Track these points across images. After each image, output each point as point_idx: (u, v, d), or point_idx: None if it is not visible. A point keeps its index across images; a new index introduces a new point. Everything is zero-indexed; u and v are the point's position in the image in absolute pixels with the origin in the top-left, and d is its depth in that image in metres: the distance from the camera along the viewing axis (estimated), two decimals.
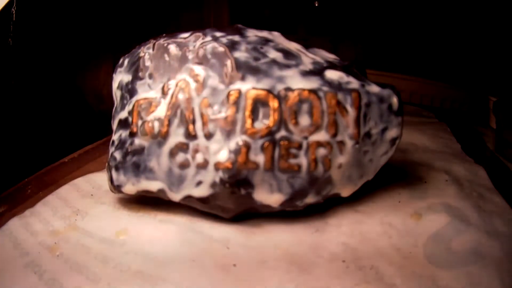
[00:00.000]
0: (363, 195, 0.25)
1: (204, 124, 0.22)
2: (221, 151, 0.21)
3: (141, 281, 0.19)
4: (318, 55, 0.24)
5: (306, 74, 0.22)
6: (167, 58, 0.23)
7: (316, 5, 0.63)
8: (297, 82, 0.22)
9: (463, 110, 0.47)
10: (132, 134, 0.23)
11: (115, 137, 0.24)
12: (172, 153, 0.22)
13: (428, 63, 0.54)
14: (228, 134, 0.21)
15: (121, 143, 0.23)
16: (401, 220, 0.24)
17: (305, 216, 0.24)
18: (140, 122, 0.23)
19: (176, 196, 0.23)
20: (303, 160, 0.22)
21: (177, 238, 0.22)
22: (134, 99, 0.23)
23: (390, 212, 0.24)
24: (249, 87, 0.21)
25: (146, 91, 0.23)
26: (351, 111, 0.22)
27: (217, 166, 0.21)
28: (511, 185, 0.30)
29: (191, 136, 0.22)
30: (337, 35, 0.59)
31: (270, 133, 0.21)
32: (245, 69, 0.22)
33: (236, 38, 0.23)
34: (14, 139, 0.32)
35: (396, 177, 0.28)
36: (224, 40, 0.22)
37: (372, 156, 0.23)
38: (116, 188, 0.24)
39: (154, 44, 0.23)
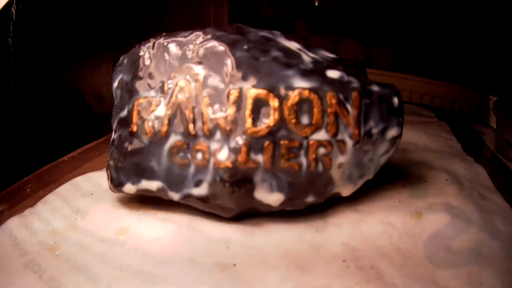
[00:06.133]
0: (363, 194, 0.25)
1: (204, 123, 0.21)
2: (221, 151, 0.21)
3: (141, 281, 0.19)
4: (318, 54, 0.24)
5: (306, 73, 0.22)
6: (167, 57, 0.23)
7: (316, 4, 0.63)
8: (298, 81, 0.22)
9: (463, 109, 0.47)
10: (132, 134, 0.23)
11: (115, 136, 0.24)
12: (172, 153, 0.22)
13: (429, 62, 0.54)
14: (229, 133, 0.21)
15: (121, 142, 0.23)
16: (401, 219, 0.24)
17: (305, 216, 0.24)
18: (140, 122, 0.23)
19: (176, 196, 0.22)
20: (303, 160, 0.22)
21: (177, 238, 0.22)
22: (134, 98, 0.23)
23: (390, 212, 0.24)
24: (250, 86, 0.21)
25: (146, 91, 0.23)
26: (352, 111, 0.22)
27: (217, 166, 0.21)
28: (511, 185, 0.30)
29: (191, 135, 0.22)
30: (337, 34, 0.59)
31: (270, 133, 0.21)
32: (245, 68, 0.22)
33: (237, 37, 0.23)
34: (13, 138, 0.32)
35: (396, 176, 0.28)
36: (224, 39, 0.22)
37: (372, 156, 0.23)
38: (116, 187, 0.24)
39: (154, 43, 0.23)
